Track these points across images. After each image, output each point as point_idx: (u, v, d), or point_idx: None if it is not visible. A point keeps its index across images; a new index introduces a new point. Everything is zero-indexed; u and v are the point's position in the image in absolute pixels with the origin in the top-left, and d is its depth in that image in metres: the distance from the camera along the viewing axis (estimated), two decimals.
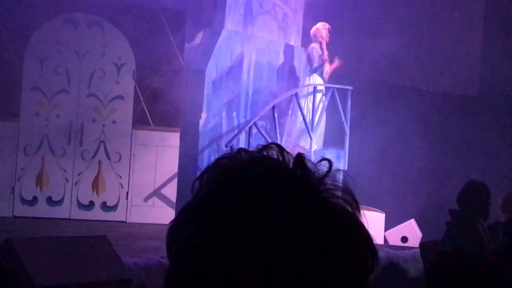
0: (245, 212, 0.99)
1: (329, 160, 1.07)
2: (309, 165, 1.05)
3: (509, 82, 12.36)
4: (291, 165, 1.04)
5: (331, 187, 1.04)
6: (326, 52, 11.24)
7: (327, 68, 11.29)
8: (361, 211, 1.05)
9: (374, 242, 1.05)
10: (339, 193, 1.04)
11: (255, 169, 1.02)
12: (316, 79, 11.36)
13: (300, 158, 1.04)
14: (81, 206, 10.35)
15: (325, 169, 1.05)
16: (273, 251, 0.97)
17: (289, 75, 11.78)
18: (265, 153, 1.06)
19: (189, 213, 1.03)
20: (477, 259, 2.83)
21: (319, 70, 11.27)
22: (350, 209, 1.04)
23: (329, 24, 11.35)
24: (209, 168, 1.05)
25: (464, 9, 12.73)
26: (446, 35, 12.58)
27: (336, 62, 11.29)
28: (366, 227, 1.05)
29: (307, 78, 11.43)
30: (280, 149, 1.06)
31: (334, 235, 1.00)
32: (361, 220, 1.04)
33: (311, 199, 1.01)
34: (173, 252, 1.03)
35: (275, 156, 1.05)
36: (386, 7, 11.80)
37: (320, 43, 11.24)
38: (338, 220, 1.02)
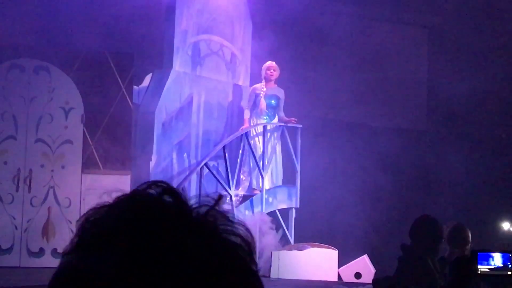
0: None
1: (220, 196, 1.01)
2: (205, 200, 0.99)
3: (455, 115, 12.57)
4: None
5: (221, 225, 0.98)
6: (263, 90, 11.35)
7: (262, 105, 11.37)
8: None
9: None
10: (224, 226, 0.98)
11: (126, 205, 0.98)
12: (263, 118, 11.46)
13: (173, 192, 0.99)
14: (31, 253, 10.16)
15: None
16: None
17: (238, 115, 11.81)
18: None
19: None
20: None
21: (254, 110, 11.36)
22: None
23: (275, 62, 11.47)
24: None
25: (410, 49, 12.96)
26: (393, 73, 12.76)
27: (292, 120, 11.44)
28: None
29: (254, 118, 11.49)
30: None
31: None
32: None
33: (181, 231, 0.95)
34: None
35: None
36: (336, 46, 11.94)
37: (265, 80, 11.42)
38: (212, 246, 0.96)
